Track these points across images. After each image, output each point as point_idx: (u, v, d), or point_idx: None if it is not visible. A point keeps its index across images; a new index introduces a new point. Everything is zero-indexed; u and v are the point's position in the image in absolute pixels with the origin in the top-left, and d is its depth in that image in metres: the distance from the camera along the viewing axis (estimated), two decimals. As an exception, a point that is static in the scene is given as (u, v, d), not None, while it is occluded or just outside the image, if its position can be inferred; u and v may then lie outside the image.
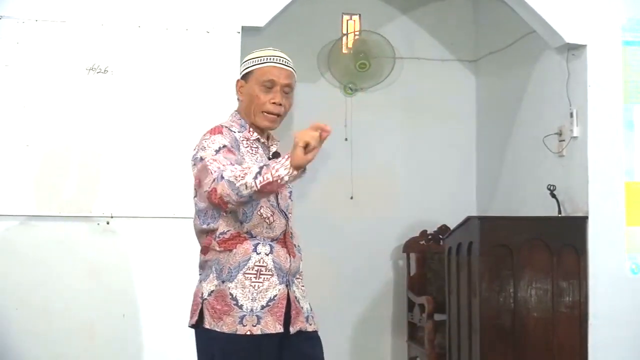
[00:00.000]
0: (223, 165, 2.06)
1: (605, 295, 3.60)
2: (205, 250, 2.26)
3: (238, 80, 2.32)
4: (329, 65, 4.88)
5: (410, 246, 4.84)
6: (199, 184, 2.18)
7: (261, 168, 1.96)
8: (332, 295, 4.55)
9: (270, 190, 1.98)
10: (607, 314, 3.59)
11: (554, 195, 3.77)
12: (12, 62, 3.21)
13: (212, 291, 2.19)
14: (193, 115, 3.31)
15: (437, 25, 5.10)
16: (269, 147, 2.31)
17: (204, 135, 2.23)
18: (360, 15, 4.98)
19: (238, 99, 2.33)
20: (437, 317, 4.27)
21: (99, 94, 3.26)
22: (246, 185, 1.95)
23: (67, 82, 3.24)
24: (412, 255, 4.83)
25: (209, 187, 2.04)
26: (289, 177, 1.94)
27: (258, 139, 2.28)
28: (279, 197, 2.27)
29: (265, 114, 2.25)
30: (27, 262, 3.18)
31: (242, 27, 3.39)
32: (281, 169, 1.94)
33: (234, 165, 2.06)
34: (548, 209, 3.82)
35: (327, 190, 4.84)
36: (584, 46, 3.70)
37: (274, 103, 2.24)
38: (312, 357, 2.28)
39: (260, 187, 1.94)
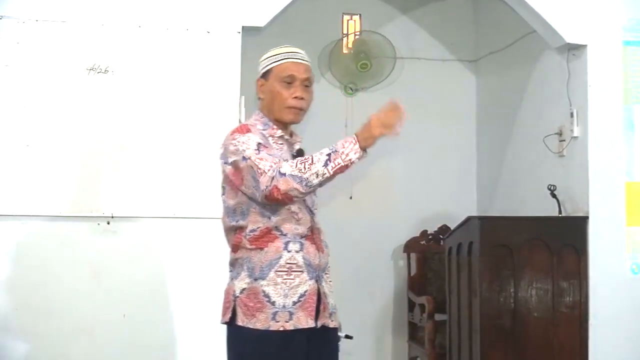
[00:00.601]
0: (274, 162, 2.12)
1: (605, 295, 3.60)
2: (235, 248, 2.30)
3: (258, 80, 2.36)
4: (330, 65, 4.88)
5: (410, 246, 4.84)
6: (239, 183, 2.21)
7: (329, 155, 2.08)
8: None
9: (339, 173, 2.11)
10: (607, 314, 3.59)
11: (554, 195, 3.77)
12: (12, 62, 3.21)
13: (244, 289, 2.23)
14: (193, 115, 3.31)
15: (437, 25, 5.10)
16: (292, 144, 2.36)
17: (232, 134, 2.25)
18: (360, 15, 4.98)
19: (259, 98, 2.37)
20: (438, 317, 4.27)
21: (99, 94, 3.26)
22: (317, 174, 2.08)
23: (68, 82, 3.24)
24: (413, 255, 4.83)
25: (268, 186, 2.10)
26: (358, 160, 2.11)
27: (282, 136, 2.32)
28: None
29: (289, 108, 2.30)
30: (27, 262, 3.18)
31: (243, 27, 3.39)
32: (351, 153, 2.10)
33: (285, 160, 2.13)
34: (548, 209, 3.82)
35: (327, 190, 4.82)
36: (584, 46, 3.70)
37: (296, 97, 2.29)
38: (327, 352, 2.33)
39: (333, 172, 2.08)
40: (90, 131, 3.24)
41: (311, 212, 2.32)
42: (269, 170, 2.10)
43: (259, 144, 2.19)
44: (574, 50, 3.76)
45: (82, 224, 3.23)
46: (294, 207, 2.24)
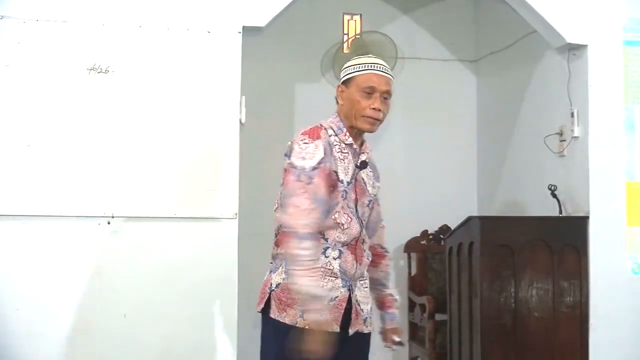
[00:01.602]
0: (312, 210, 2.18)
1: (606, 295, 3.60)
2: (279, 242, 2.35)
3: (339, 86, 2.43)
4: (334, 66, 4.86)
5: (411, 246, 4.84)
6: (282, 183, 2.30)
7: (304, 300, 2.17)
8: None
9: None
10: (607, 314, 3.59)
11: (554, 195, 3.77)
12: (13, 62, 3.20)
13: (279, 283, 2.31)
14: (194, 115, 3.31)
15: (437, 25, 5.10)
16: (359, 154, 2.42)
17: (302, 135, 2.31)
18: (361, 15, 4.98)
19: (337, 103, 2.43)
20: (438, 317, 4.27)
21: (100, 94, 3.26)
22: (299, 293, 2.19)
23: (68, 82, 3.24)
24: (413, 255, 4.83)
25: (281, 225, 2.26)
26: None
27: (351, 144, 2.39)
28: (358, 204, 2.38)
29: (366, 118, 2.36)
30: (27, 262, 3.18)
31: (243, 27, 3.38)
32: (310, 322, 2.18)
33: (311, 253, 2.17)
34: (549, 209, 3.82)
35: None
36: (584, 46, 3.70)
37: (373, 109, 2.35)
38: (356, 356, 2.41)
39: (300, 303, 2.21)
40: (90, 131, 3.24)
41: (361, 224, 2.38)
42: (293, 209, 2.18)
43: (321, 161, 2.24)
44: (575, 50, 3.75)
45: (82, 224, 3.22)
46: (341, 218, 2.31)
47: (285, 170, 2.31)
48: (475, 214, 4.76)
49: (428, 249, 4.82)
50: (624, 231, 3.67)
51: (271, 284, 2.34)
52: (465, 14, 5.16)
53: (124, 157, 3.26)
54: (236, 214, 3.29)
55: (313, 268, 2.17)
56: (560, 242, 3.59)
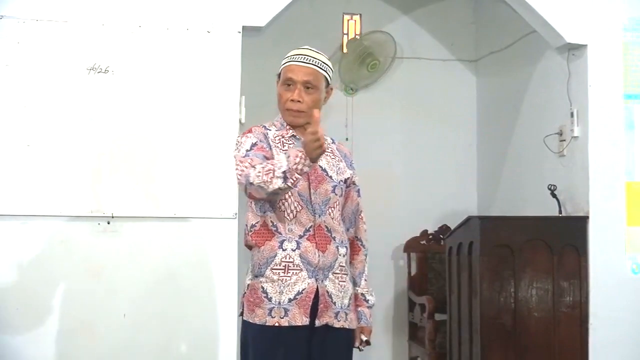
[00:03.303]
0: (246, 166, 2.20)
1: (605, 295, 3.60)
2: (247, 245, 2.41)
3: (276, 82, 2.44)
4: (340, 68, 4.86)
5: (410, 246, 4.84)
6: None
7: (284, 173, 2.10)
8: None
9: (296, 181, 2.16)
10: (607, 314, 3.59)
11: (554, 195, 3.77)
12: (12, 62, 3.20)
13: (248, 285, 2.36)
14: (194, 115, 3.31)
15: (437, 26, 5.10)
16: None
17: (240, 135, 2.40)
18: (360, 15, 4.98)
19: None
20: (438, 317, 4.27)
21: (99, 93, 3.26)
22: (280, 188, 2.12)
23: (68, 82, 3.24)
24: (413, 255, 4.83)
25: (245, 192, 2.27)
26: (309, 169, 2.13)
27: (293, 135, 2.39)
28: (312, 192, 2.34)
29: (287, 110, 2.37)
30: (27, 262, 3.18)
31: (243, 27, 3.38)
32: (304, 168, 2.11)
33: (259, 164, 2.17)
34: (549, 209, 3.82)
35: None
36: (584, 46, 3.70)
37: (292, 100, 2.34)
38: (331, 352, 2.35)
39: (293, 185, 2.13)
40: (90, 131, 3.24)
41: (314, 212, 2.33)
42: (239, 175, 2.21)
43: (253, 144, 2.29)
44: (574, 50, 3.75)
45: (82, 224, 3.22)
46: (289, 205, 2.30)
47: None
48: (475, 214, 4.76)
49: (428, 249, 4.82)
50: (624, 231, 3.67)
51: (245, 287, 2.37)
52: (465, 14, 5.16)
53: (124, 157, 3.26)
54: (236, 214, 3.29)
55: (261, 175, 2.14)
56: (560, 242, 3.58)
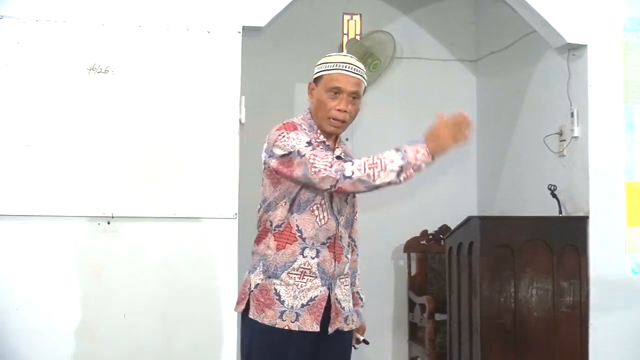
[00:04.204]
0: (328, 162, 2.13)
1: (605, 295, 3.60)
2: (258, 240, 2.36)
3: (310, 83, 2.39)
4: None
5: (410, 246, 4.84)
6: (291, 176, 2.23)
7: (401, 167, 2.11)
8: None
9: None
10: (607, 314, 3.59)
11: (554, 195, 3.77)
12: (12, 62, 3.20)
13: (257, 284, 2.31)
14: (194, 115, 3.31)
15: (437, 26, 5.10)
16: (333, 150, 2.38)
17: (279, 130, 2.28)
18: (360, 15, 4.98)
19: (310, 102, 2.41)
20: (438, 317, 4.27)
21: (99, 94, 3.26)
22: (390, 182, 2.12)
23: (68, 82, 3.24)
24: (413, 255, 4.83)
25: (333, 186, 2.13)
26: (427, 167, 2.16)
27: (324, 142, 2.35)
28: (333, 200, 2.33)
29: (331, 119, 2.32)
30: (27, 262, 3.18)
31: (243, 27, 3.38)
32: (422, 165, 2.16)
33: (356, 161, 2.13)
34: (549, 209, 3.82)
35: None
36: (584, 46, 3.70)
37: (339, 110, 2.30)
38: (336, 354, 2.39)
39: (404, 181, 2.13)
40: (90, 131, 3.24)
41: (337, 220, 2.34)
42: (324, 170, 2.12)
43: (308, 142, 2.22)
44: (574, 50, 3.75)
45: (82, 224, 3.22)
46: (318, 210, 2.29)
47: (271, 165, 2.28)
48: (475, 214, 4.76)
49: (428, 249, 4.82)
50: (624, 231, 3.67)
51: (250, 285, 2.33)
52: (465, 14, 5.16)
53: (124, 157, 3.26)
54: (236, 214, 3.29)
55: (363, 169, 2.11)
56: (560, 242, 3.59)
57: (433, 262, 4.76)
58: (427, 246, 4.84)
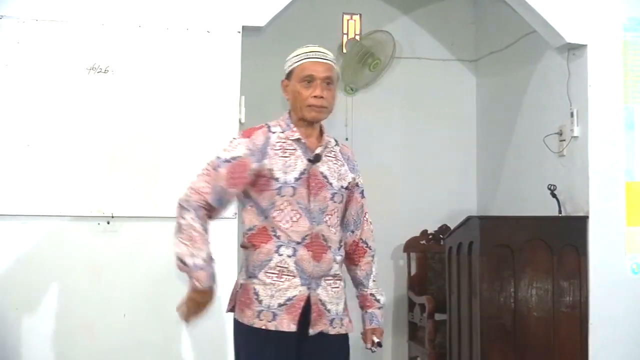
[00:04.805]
0: (204, 191, 2.27)
1: (605, 295, 3.60)
2: (242, 244, 2.40)
3: (283, 81, 2.41)
4: (342, 67, 4.86)
5: (410, 246, 4.84)
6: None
7: (181, 260, 2.26)
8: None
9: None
10: (607, 313, 3.59)
11: (554, 195, 3.77)
12: (12, 62, 3.20)
13: (241, 284, 2.36)
14: (193, 115, 3.31)
15: (437, 25, 5.10)
16: (310, 148, 2.36)
17: (240, 132, 2.40)
18: (360, 15, 4.98)
19: (287, 99, 2.42)
20: (438, 316, 4.27)
21: (99, 93, 3.26)
22: (177, 256, 2.28)
23: (68, 82, 3.24)
24: (413, 255, 4.83)
25: (182, 201, 2.31)
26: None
27: (298, 139, 2.35)
28: (311, 198, 2.31)
29: (310, 107, 2.33)
30: (27, 262, 3.18)
31: (243, 27, 3.38)
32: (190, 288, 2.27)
33: (195, 220, 2.26)
34: (548, 209, 3.82)
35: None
36: (584, 46, 3.70)
37: (315, 96, 2.32)
38: (326, 358, 2.35)
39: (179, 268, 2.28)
40: (90, 131, 3.24)
41: (312, 220, 2.31)
42: (196, 190, 2.28)
43: (234, 157, 2.28)
44: (574, 50, 3.76)
45: (82, 224, 3.23)
46: (290, 214, 2.28)
47: None
48: (475, 213, 4.76)
49: (428, 249, 4.82)
50: (624, 231, 3.67)
51: (237, 286, 2.38)
52: (465, 14, 5.16)
53: (124, 157, 3.26)
54: (236, 214, 3.29)
55: (190, 238, 2.23)
56: (560, 242, 3.59)
57: (433, 262, 4.76)
58: (427, 246, 4.84)
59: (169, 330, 3.24)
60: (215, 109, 3.32)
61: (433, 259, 4.77)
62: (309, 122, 2.36)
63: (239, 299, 2.33)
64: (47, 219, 3.20)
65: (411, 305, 4.68)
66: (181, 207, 2.28)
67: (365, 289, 2.52)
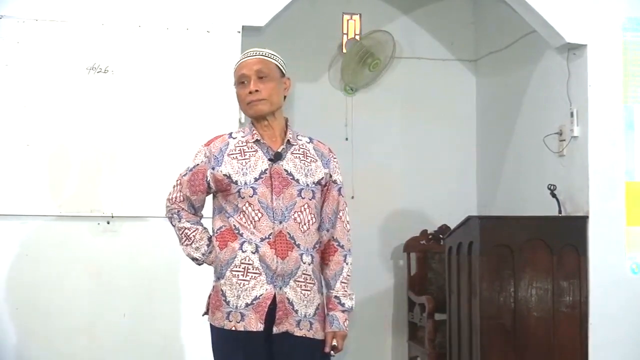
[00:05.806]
0: (180, 198, 2.43)
1: (605, 295, 3.60)
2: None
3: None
4: (342, 67, 4.86)
5: (410, 246, 4.83)
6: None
7: (203, 260, 2.43)
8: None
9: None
10: (607, 313, 3.59)
11: (554, 195, 3.77)
12: (12, 62, 3.21)
13: (213, 287, 2.37)
14: (193, 114, 3.32)
15: (437, 25, 5.10)
16: (271, 147, 2.35)
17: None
18: (360, 15, 4.98)
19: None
20: (438, 316, 4.27)
21: (99, 93, 3.26)
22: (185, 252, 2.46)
23: (68, 82, 3.24)
24: (413, 255, 4.82)
25: (167, 213, 2.48)
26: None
27: (258, 140, 2.36)
28: (274, 197, 2.29)
29: (248, 105, 2.36)
30: (27, 262, 3.18)
31: (243, 27, 3.39)
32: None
33: (188, 220, 2.45)
34: (548, 209, 3.82)
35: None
36: (584, 46, 3.70)
37: (250, 93, 2.34)
38: (292, 358, 2.30)
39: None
40: (90, 131, 3.25)
41: (274, 219, 2.28)
42: (171, 200, 2.44)
43: (195, 165, 2.37)
44: (574, 50, 3.76)
45: (82, 224, 3.23)
46: (249, 211, 2.29)
47: None
48: (475, 213, 4.75)
49: (428, 249, 4.82)
50: (624, 231, 3.67)
51: (211, 288, 2.39)
52: (464, 13, 5.16)
53: (124, 157, 3.27)
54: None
55: (187, 237, 2.44)
56: (559, 242, 3.59)
57: (433, 262, 4.76)
58: (427, 246, 4.84)
59: (168, 330, 3.25)
60: (215, 109, 3.33)
61: (433, 259, 4.76)
62: (257, 119, 2.37)
63: (211, 302, 2.35)
64: (47, 219, 3.20)
65: (411, 305, 4.68)
66: (169, 219, 2.46)
67: (331, 291, 2.40)
